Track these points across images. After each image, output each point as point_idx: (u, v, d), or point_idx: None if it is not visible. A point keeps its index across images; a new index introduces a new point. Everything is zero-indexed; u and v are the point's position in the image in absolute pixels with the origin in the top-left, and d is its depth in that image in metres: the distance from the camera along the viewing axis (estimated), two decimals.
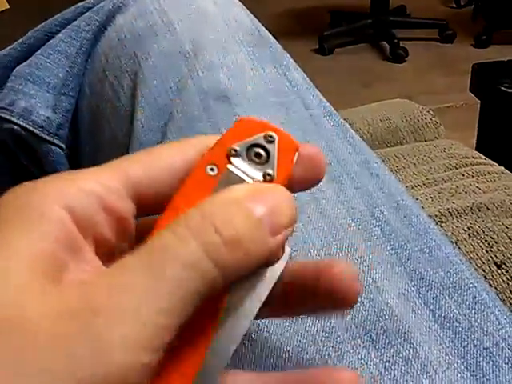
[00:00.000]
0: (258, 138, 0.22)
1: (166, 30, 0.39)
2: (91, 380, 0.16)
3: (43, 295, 0.17)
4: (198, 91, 0.36)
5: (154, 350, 0.17)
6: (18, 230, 0.18)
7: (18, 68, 0.45)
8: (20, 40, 0.47)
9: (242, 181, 0.21)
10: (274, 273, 0.22)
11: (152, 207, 0.21)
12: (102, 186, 0.20)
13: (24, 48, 0.46)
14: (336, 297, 0.22)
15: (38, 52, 0.44)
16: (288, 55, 0.40)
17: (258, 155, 0.21)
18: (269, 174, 0.21)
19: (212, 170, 0.21)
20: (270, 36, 0.41)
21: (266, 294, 0.22)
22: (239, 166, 0.21)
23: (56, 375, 0.16)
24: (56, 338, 0.16)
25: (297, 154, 0.22)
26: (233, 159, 0.21)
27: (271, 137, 0.22)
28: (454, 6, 2.77)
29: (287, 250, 0.22)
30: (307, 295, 0.23)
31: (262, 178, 0.21)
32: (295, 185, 0.22)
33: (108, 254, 0.21)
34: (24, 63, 0.45)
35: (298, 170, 0.22)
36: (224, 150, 0.21)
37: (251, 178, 0.21)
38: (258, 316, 0.22)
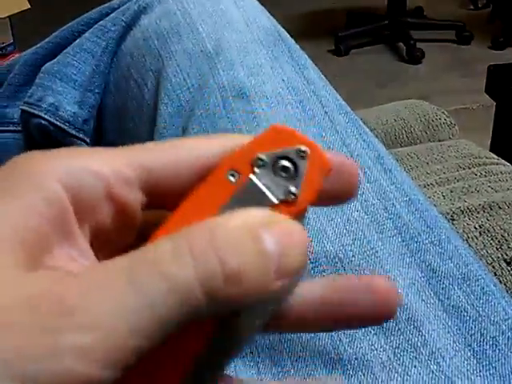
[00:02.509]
0: (290, 150, 0.20)
1: (189, 30, 0.40)
2: (36, 378, 0.15)
3: (14, 283, 0.16)
4: (218, 89, 0.37)
5: (111, 367, 0.16)
6: (9, 198, 0.17)
7: (46, 66, 0.46)
8: (47, 39, 0.49)
9: (262, 195, 0.19)
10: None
11: (166, 200, 0.20)
12: (111, 170, 0.19)
13: (51, 47, 0.48)
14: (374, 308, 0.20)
15: (65, 50, 0.46)
16: (305, 55, 0.41)
17: (285, 169, 0.20)
18: (293, 193, 0.19)
19: (233, 175, 0.19)
20: (289, 36, 0.42)
21: (261, 322, 0.20)
22: (262, 177, 0.19)
23: (4, 364, 0.15)
24: (11, 327, 0.15)
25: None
26: (257, 169, 0.19)
27: (304, 152, 0.20)
28: (472, 7, 2.76)
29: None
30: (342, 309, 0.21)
31: (283, 196, 0.19)
32: (322, 199, 0.20)
33: (104, 244, 0.20)
34: (52, 61, 0.46)
35: (328, 183, 0.20)
36: (249, 157, 0.20)
37: (273, 193, 0.19)
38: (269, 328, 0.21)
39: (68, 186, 0.18)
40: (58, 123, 0.45)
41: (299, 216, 0.20)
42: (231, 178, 0.19)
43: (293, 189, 0.19)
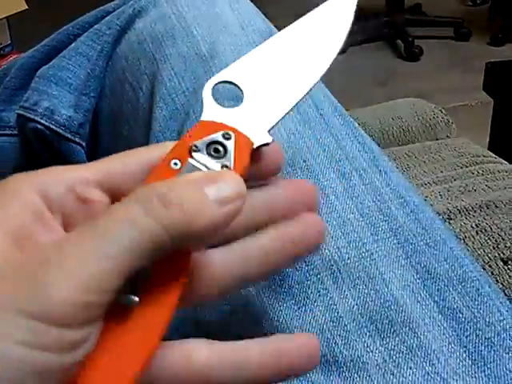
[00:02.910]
0: (217, 135, 0.24)
1: (184, 33, 0.40)
2: (30, 311, 0.19)
3: (5, 257, 0.20)
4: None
5: (99, 292, 0.19)
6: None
7: (41, 69, 0.46)
8: (43, 42, 0.49)
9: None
10: None
11: None
12: (77, 177, 0.24)
13: (47, 50, 0.48)
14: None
15: (61, 54, 0.46)
16: None
17: (216, 151, 0.24)
18: (226, 166, 0.24)
19: (176, 164, 0.24)
20: None
21: None
22: (200, 159, 0.24)
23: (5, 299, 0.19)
24: (1, 280, 0.19)
25: (254, 148, 0.25)
26: (194, 154, 0.24)
27: (228, 134, 0.25)
28: (470, 4, 2.75)
29: None
30: None
31: (221, 169, 0.24)
32: (257, 176, 0.26)
33: None
34: (47, 65, 0.46)
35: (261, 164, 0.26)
36: (187, 147, 0.24)
37: (210, 169, 0.24)
38: None
39: (41, 191, 0.23)
40: (54, 127, 0.45)
41: None
42: (174, 166, 0.24)
43: (226, 163, 0.24)
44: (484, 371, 0.28)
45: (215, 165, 0.24)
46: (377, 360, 0.28)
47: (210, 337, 0.24)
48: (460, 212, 0.51)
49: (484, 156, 0.65)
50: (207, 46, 0.39)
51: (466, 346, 0.29)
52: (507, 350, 0.29)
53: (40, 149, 0.47)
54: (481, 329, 0.29)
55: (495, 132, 1.04)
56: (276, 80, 0.28)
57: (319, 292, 0.31)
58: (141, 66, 0.41)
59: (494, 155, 0.66)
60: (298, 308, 0.30)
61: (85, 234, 0.20)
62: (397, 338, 0.29)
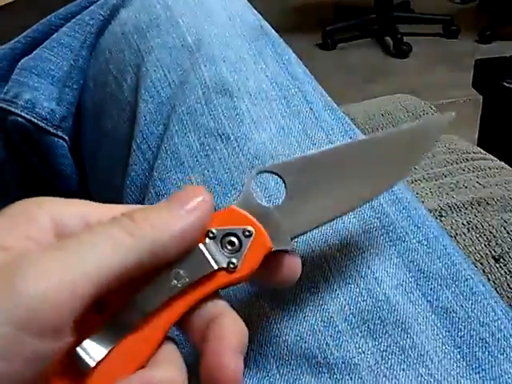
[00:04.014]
0: (237, 228, 0.24)
1: (170, 24, 0.39)
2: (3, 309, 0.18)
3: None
4: (200, 85, 0.36)
5: (71, 294, 0.19)
6: (9, 227, 0.22)
7: (22, 61, 0.45)
8: (25, 33, 0.48)
9: (206, 261, 0.23)
10: None
11: None
12: (90, 212, 0.23)
13: (29, 41, 0.47)
14: None
15: (43, 45, 0.45)
16: (290, 49, 0.40)
17: (231, 243, 0.24)
18: (233, 263, 0.23)
19: None
20: (273, 30, 0.41)
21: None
22: (210, 248, 0.23)
23: None
24: None
25: (271, 252, 0.24)
26: (207, 240, 0.23)
27: (249, 232, 0.24)
28: (459, 1, 2.76)
29: None
30: None
31: (225, 265, 0.23)
32: (268, 280, 0.25)
33: None
34: (29, 56, 0.45)
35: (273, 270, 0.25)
36: (204, 230, 0.23)
37: (216, 261, 0.23)
38: None
39: (53, 218, 0.22)
40: (35, 120, 0.43)
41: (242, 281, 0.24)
42: None
43: (234, 260, 0.23)
44: (478, 373, 0.28)
45: (223, 259, 0.23)
46: (369, 361, 0.28)
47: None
48: (451, 209, 0.51)
49: (474, 152, 0.64)
50: (193, 36, 0.38)
51: (460, 347, 0.28)
52: (502, 351, 0.28)
53: (21, 143, 0.46)
54: (475, 329, 0.29)
55: (484, 128, 1.04)
56: (323, 189, 0.26)
57: (309, 291, 0.30)
58: (125, 58, 0.40)
59: (484, 152, 0.65)
60: (288, 308, 0.30)
61: (68, 242, 0.21)
62: (389, 339, 0.28)
